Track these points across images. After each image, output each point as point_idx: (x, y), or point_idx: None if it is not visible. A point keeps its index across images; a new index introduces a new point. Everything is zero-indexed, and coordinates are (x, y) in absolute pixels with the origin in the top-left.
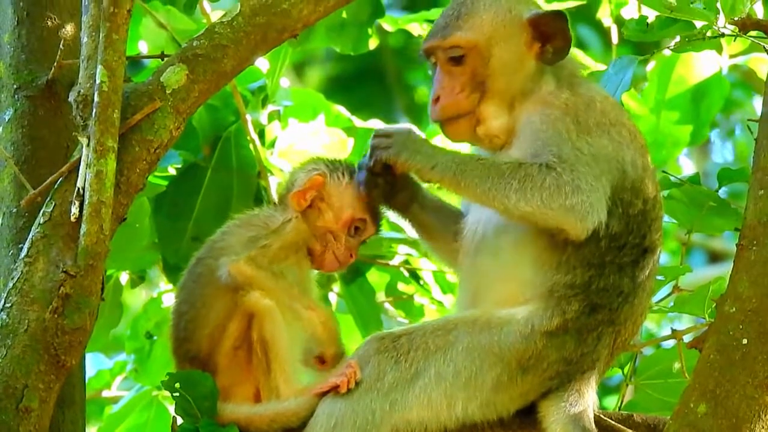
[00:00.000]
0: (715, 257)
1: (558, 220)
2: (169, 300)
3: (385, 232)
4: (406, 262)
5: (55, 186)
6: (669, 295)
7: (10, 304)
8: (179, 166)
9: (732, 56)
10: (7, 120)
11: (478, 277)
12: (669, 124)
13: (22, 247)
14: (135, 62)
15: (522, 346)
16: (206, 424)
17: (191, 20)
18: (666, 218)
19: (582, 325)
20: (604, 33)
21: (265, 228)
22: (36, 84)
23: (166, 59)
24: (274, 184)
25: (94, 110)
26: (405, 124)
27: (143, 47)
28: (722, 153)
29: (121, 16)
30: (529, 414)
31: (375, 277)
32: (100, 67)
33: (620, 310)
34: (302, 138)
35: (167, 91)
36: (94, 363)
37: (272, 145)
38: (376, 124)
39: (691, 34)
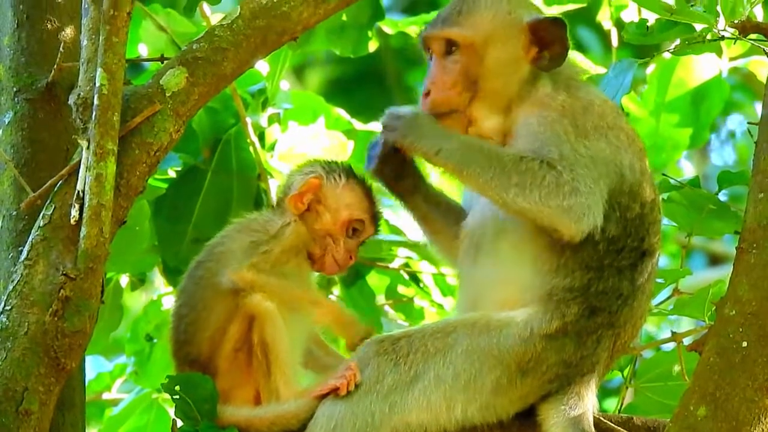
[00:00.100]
0: (715, 260)
1: (553, 219)
2: (169, 302)
3: (385, 235)
4: (406, 265)
5: (55, 189)
6: (669, 297)
7: (9, 307)
8: (179, 168)
9: (732, 59)
10: (6, 123)
11: (478, 281)
12: (669, 126)
13: (21, 250)
14: (135, 65)
15: (521, 349)
16: (206, 426)
17: (191, 23)
18: (666, 221)
19: (581, 328)
20: (604, 35)
21: (264, 233)
22: (36, 87)
23: (165, 62)
24: (274, 187)
25: (94, 113)
26: (415, 107)
27: (143, 50)
28: (722, 156)
29: (120, 19)
30: (528, 417)
31: (375, 279)
32: (99, 70)
33: (620, 313)
34: (302, 141)
35: (167, 94)
36: (94, 366)
37: (272, 147)
38: (376, 126)
39: (691, 37)
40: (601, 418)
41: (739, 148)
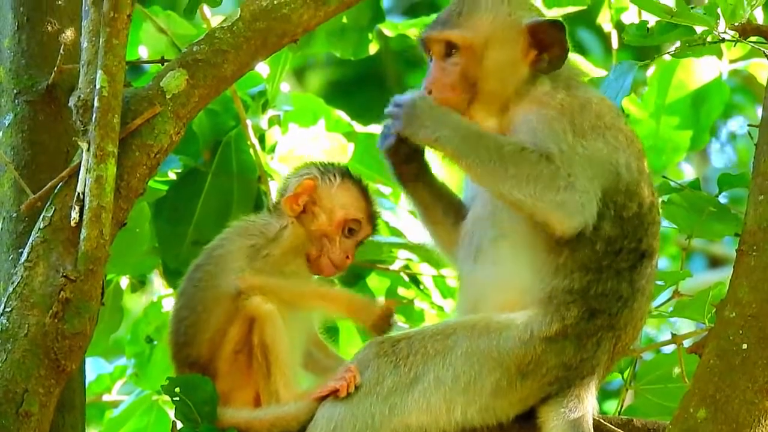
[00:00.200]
0: (715, 262)
1: (546, 213)
2: (170, 304)
3: (386, 237)
4: (406, 266)
5: (55, 191)
6: (669, 299)
7: (10, 309)
8: (179, 170)
9: (732, 61)
10: (7, 125)
11: (478, 283)
12: (669, 129)
13: (22, 252)
14: (135, 67)
15: (521, 351)
16: (206, 428)
17: (191, 25)
18: (666, 223)
19: (581, 330)
20: (604, 38)
21: (263, 237)
22: (36, 89)
23: (166, 64)
24: (275, 189)
25: (94, 115)
26: (417, 92)
27: (143, 52)
28: (722, 158)
29: (121, 21)
30: (528, 419)
31: (375, 281)
32: (100, 72)
33: (620, 315)
34: (302, 143)
35: (167, 96)
36: (94, 367)
37: (272, 149)
38: (377, 129)
39: (692, 39)
40: (601, 420)
41: (739, 150)
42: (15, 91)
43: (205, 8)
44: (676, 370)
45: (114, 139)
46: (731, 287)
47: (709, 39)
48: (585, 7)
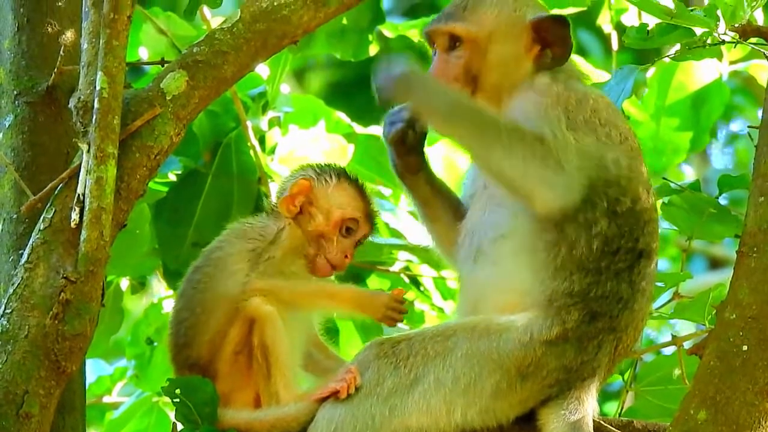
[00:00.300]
0: (715, 264)
1: (532, 188)
2: (170, 306)
3: (386, 238)
4: (407, 268)
5: (56, 192)
6: (669, 301)
7: (10, 310)
8: (179, 172)
9: (732, 62)
10: (7, 126)
11: (478, 285)
12: (669, 130)
13: (22, 253)
14: (135, 68)
15: (521, 354)
16: (206, 429)
17: (191, 26)
18: (666, 225)
19: (582, 333)
20: (604, 39)
21: (262, 240)
22: (36, 90)
23: (166, 65)
24: (275, 190)
25: (95, 116)
26: (407, 66)
27: (143, 53)
28: (722, 159)
29: (121, 23)
30: (528, 421)
31: (375, 283)
32: (100, 74)
33: (621, 316)
34: (303, 144)
35: (167, 98)
36: (94, 369)
37: (273, 151)
38: (377, 130)
39: (692, 41)
40: (602, 422)
41: (739, 151)
42: (15, 92)
43: (205, 9)
44: (677, 372)
45: (114, 141)
46: (731, 289)
47: (709, 41)
48: (585, 8)
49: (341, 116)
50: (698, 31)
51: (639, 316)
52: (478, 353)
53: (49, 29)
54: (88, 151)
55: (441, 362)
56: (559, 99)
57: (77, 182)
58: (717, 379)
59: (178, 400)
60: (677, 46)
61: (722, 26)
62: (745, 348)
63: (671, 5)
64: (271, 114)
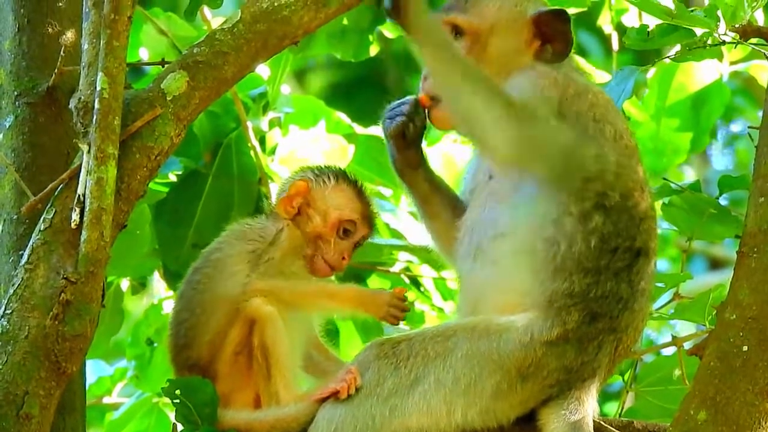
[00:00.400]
0: (715, 264)
1: (491, 130)
2: (170, 307)
3: (386, 239)
4: (407, 269)
5: (56, 193)
6: (669, 302)
7: (10, 311)
8: (180, 172)
9: (732, 63)
10: (7, 127)
11: (478, 285)
12: (669, 131)
13: (22, 254)
14: (136, 69)
15: (521, 354)
16: (206, 430)
17: (192, 27)
18: (667, 225)
19: (583, 334)
20: (604, 40)
21: (262, 241)
22: (37, 91)
23: (166, 66)
24: (275, 191)
25: (95, 117)
26: None
27: (144, 54)
28: (723, 160)
29: (121, 23)
30: (529, 421)
31: (376, 283)
32: (100, 74)
33: (621, 317)
34: (303, 145)
35: (168, 98)
36: (94, 369)
37: (273, 151)
38: (377, 131)
39: (692, 41)
40: (602, 423)
41: (739, 152)
42: (15, 93)
43: (206, 10)
44: (677, 372)
45: (114, 141)
46: (732, 289)
47: (709, 41)
48: (585, 9)
49: (342, 117)
50: (699, 31)
51: (639, 316)
52: (479, 354)
53: (50, 30)
54: (89, 151)
55: (441, 363)
56: (556, 84)
57: (77, 183)
58: (717, 380)
59: (178, 400)
60: (677, 47)
61: (722, 27)
62: (745, 348)
63: (672, 6)
64: (271, 114)
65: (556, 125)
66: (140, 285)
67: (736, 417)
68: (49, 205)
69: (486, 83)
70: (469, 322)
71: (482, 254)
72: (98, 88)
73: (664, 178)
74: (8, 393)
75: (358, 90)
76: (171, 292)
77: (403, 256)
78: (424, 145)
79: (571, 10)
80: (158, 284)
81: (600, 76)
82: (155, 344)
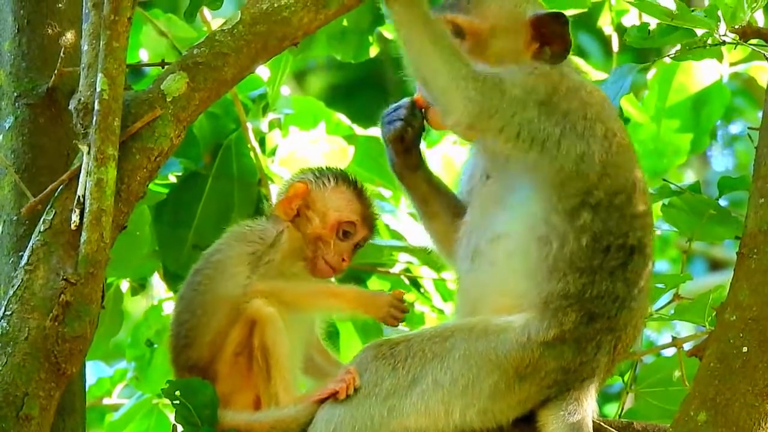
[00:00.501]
0: (715, 265)
1: (446, 93)
2: (170, 308)
3: (386, 240)
4: (407, 270)
5: (56, 194)
6: (669, 303)
7: (10, 312)
8: (180, 174)
9: (732, 64)
10: (7, 128)
11: (476, 287)
12: (669, 132)
13: (22, 255)
14: (135, 70)
15: (519, 355)
16: (206, 431)
17: (192, 28)
18: (666, 226)
19: (580, 334)
20: (604, 41)
21: (262, 243)
22: (36, 92)
23: (166, 67)
24: (275, 193)
25: (95, 118)
26: None
27: (144, 55)
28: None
29: (121, 24)
30: (528, 422)
31: (376, 284)
32: (100, 75)
33: (619, 316)
34: (303, 146)
35: (168, 99)
36: (94, 371)
37: (273, 153)
38: (377, 132)
39: (692, 42)
40: (602, 424)
41: (739, 153)
42: (15, 94)
43: (206, 11)
44: (677, 374)
45: (114, 143)
46: (732, 290)
47: (709, 42)
48: (585, 10)
49: (342, 118)
50: (699, 32)
51: (638, 314)
52: (476, 354)
53: (50, 31)
54: (89, 152)
55: (439, 363)
56: (548, 79)
57: (77, 184)
58: (717, 381)
59: (178, 402)
60: (678, 47)
61: (722, 27)
62: (745, 350)
63: (672, 6)
64: (271, 116)
65: (532, 112)
66: (140, 286)
67: (736, 418)
68: (48, 206)
69: (452, 49)
70: (467, 322)
71: (480, 256)
72: (98, 90)
73: (664, 179)
74: (8, 394)
75: (358, 91)
76: (171, 294)
77: (403, 257)
78: (422, 147)
79: (571, 12)
80: (158, 285)
81: (599, 77)
82: (155, 345)
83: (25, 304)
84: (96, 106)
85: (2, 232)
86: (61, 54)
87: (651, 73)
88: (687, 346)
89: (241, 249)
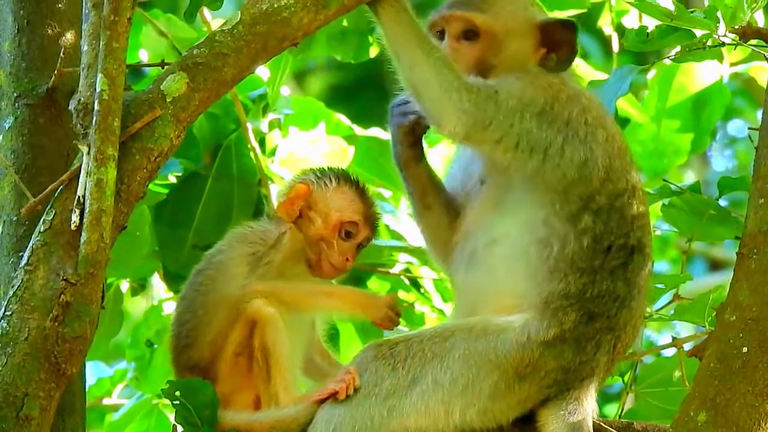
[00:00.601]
0: (715, 266)
1: (439, 105)
2: (170, 308)
3: (386, 240)
4: (407, 270)
5: (56, 194)
6: (669, 303)
7: (10, 313)
8: (180, 174)
9: (733, 64)
10: (7, 128)
11: (473, 293)
12: (670, 132)
13: (22, 256)
14: (135, 70)
15: (519, 354)
16: None
17: (192, 29)
18: (667, 227)
19: (580, 334)
20: (605, 42)
21: (262, 244)
22: (36, 92)
23: (166, 67)
24: (275, 193)
25: (95, 119)
26: None
27: (144, 55)
28: (723, 161)
29: (121, 25)
30: (528, 422)
31: (376, 285)
32: (100, 76)
33: (618, 315)
34: (303, 146)
35: (167, 100)
36: (94, 371)
37: (273, 153)
38: (377, 132)
39: (692, 43)
40: (602, 424)
41: (739, 153)
42: (15, 94)
43: (206, 11)
44: (677, 374)
45: (114, 143)
46: (731, 290)
47: (709, 42)
48: (585, 11)
49: (341, 118)
50: (698, 33)
51: (637, 313)
52: (476, 354)
53: (49, 31)
54: (88, 153)
55: (439, 363)
56: (551, 88)
57: (77, 184)
58: (717, 381)
59: (178, 402)
60: (677, 48)
61: (722, 28)
62: (745, 350)
63: (671, 7)
64: (271, 116)
65: (530, 123)
66: (140, 286)
67: (735, 418)
68: (48, 206)
69: (444, 60)
70: (467, 322)
71: (477, 261)
72: (98, 90)
73: (665, 180)
74: (8, 395)
75: (358, 91)
76: (171, 294)
77: (403, 258)
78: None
79: (571, 12)
80: (158, 286)
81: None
82: (155, 346)
83: (25, 305)
84: (96, 107)
85: (2, 233)
86: (61, 54)
87: (651, 74)
88: (687, 347)
89: (242, 250)
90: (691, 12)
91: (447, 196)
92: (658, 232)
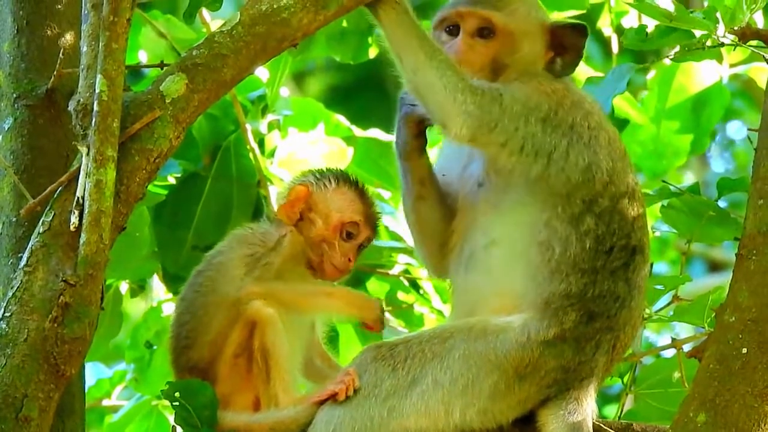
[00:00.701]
0: (714, 267)
1: (445, 107)
2: (169, 309)
3: (385, 241)
4: (406, 271)
5: (55, 195)
6: (669, 304)
7: (9, 314)
8: (179, 175)
9: (732, 65)
10: (6, 129)
11: (472, 294)
12: (669, 133)
13: (21, 257)
14: (135, 71)
15: (518, 354)
16: None
17: (191, 29)
18: (666, 228)
19: (580, 334)
20: (604, 43)
21: (262, 246)
22: (36, 93)
23: (165, 68)
24: (274, 194)
25: (94, 119)
26: None
27: (143, 56)
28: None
29: (120, 26)
30: (528, 422)
31: (375, 286)
32: (99, 77)
33: (618, 315)
34: (302, 147)
35: (167, 101)
36: (93, 372)
37: (272, 154)
38: (376, 133)
39: (691, 43)
40: (601, 425)
41: (738, 154)
42: (14, 95)
43: (205, 12)
44: (676, 375)
45: (113, 144)
46: (731, 291)
47: (708, 43)
48: (584, 11)
49: (341, 119)
50: (698, 33)
51: (636, 313)
52: (476, 354)
53: (49, 32)
54: (88, 154)
55: (438, 364)
56: (555, 94)
57: (76, 185)
58: (716, 382)
59: (177, 403)
60: (677, 48)
61: (721, 29)
62: (744, 351)
63: (671, 8)
64: (270, 117)
65: (535, 127)
66: (139, 288)
67: (735, 419)
68: (48, 207)
69: (448, 62)
70: (466, 323)
71: (476, 262)
72: (97, 91)
73: (664, 181)
74: (7, 396)
75: (358, 92)
76: (170, 295)
77: (402, 259)
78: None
79: (570, 13)
80: (157, 287)
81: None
82: (154, 347)
83: (25, 306)
84: (95, 108)
85: (1, 234)
86: (61, 55)
87: (651, 74)
88: (686, 348)
89: (241, 251)
90: (691, 12)
91: (441, 191)
92: (657, 233)
